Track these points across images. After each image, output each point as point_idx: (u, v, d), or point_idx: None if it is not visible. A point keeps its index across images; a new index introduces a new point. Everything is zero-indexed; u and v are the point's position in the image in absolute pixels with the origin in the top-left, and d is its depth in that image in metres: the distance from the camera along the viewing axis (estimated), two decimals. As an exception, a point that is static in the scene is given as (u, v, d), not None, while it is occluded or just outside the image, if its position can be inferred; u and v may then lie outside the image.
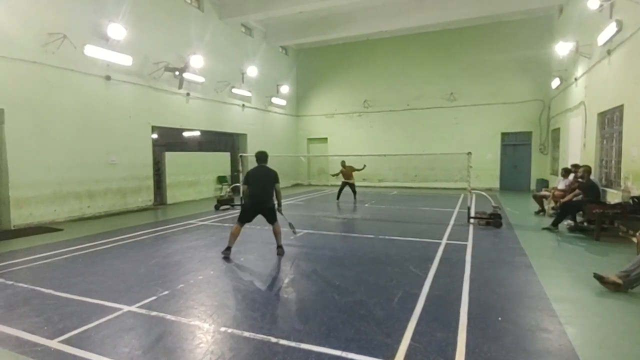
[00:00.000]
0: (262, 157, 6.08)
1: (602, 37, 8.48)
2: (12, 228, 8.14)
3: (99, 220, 9.48)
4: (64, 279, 4.91)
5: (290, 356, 2.95)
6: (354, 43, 18.63)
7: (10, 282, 4.75)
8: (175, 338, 3.31)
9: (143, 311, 3.85)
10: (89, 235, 7.62)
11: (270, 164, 6.13)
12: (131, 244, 6.88)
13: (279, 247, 6.08)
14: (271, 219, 5.98)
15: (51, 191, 8.92)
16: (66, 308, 3.95)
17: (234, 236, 5.89)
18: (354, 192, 12.91)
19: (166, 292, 4.37)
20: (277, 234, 6.06)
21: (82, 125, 9.59)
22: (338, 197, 12.95)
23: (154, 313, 3.79)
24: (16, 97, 8.19)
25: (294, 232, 6.88)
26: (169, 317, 3.71)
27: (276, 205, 6.08)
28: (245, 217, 5.94)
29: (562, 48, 10.98)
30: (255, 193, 5.85)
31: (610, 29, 7.98)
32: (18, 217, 8.30)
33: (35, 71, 8.50)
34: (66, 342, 3.22)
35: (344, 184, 12.98)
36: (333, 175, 13.52)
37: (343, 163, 13.01)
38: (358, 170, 12.86)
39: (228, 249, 5.88)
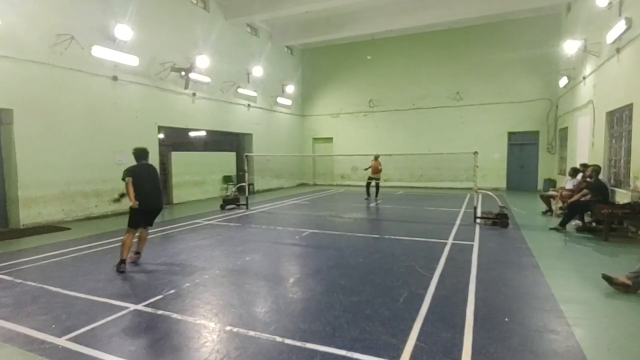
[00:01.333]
0: (144, 154, 5.65)
1: (611, 35, 8.37)
2: (21, 227, 8.24)
3: (106, 219, 9.57)
4: (71, 277, 4.96)
5: (296, 355, 2.96)
6: (360, 42, 18.59)
7: (19, 281, 4.81)
8: (181, 337, 3.33)
9: (149, 310, 3.87)
10: (96, 234, 7.70)
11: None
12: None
13: (138, 253, 5.66)
14: (152, 221, 5.72)
15: (59, 191, 9.02)
16: (74, 306, 3.99)
17: (127, 247, 5.26)
18: (377, 189, 13.33)
19: (172, 291, 4.40)
20: (145, 239, 5.75)
21: (90, 125, 9.68)
22: (368, 194, 13.32)
23: (160, 312, 3.82)
24: (25, 98, 8.29)
25: None
26: (175, 315, 3.73)
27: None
28: (138, 222, 5.44)
29: (570, 46, 10.86)
30: (149, 193, 5.38)
31: (620, 26, 7.88)
32: (27, 217, 8.40)
33: (43, 72, 8.60)
34: (74, 340, 3.26)
35: (370, 180, 13.28)
36: (365, 169, 13.60)
37: (377, 156, 13.19)
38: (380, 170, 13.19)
39: (122, 262, 5.23)
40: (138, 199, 5.26)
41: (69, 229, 8.26)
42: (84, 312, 3.82)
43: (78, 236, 7.51)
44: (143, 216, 5.46)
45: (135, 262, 5.56)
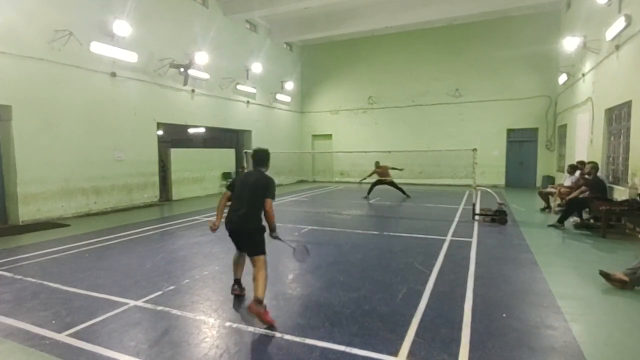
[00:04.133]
0: (261, 157, 4.01)
1: (611, 32, 8.36)
2: (21, 224, 8.24)
3: (106, 216, 9.57)
4: (71, 273, 4.97)
5: (295, 351, 2.97)
6: (359, 39, 18.55)
7: (19, 277, 4.81)
8: (181, 332, 3.34)
9: (149, 306, 3.89)
10: (95, 230, 7.70)
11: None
12: (137, 239, 6.94)
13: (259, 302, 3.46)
14: (252, 248, 3.80)
15: (58, 187, 9.01)
16: (74, 302, 4.00)
17: (237, 265, 4.19)
18: (398, 188, 12.65)
19: (172, 287, 4.41)
20: (256, 279, 3.61)
21: (89, 121, 9.66)
22: (368, 194, 12.77)
23: (159, 308, 3.83)
24: (23, 94, 8.27)
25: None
26: (174, 311, 3.74)
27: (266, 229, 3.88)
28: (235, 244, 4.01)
29: (570, 43, 10.85)
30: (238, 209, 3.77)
31: (619, 23, 7.87)
32: (26, 213, 8.40)
33: (42, 68, 8.57)
34: (74, 335, 3.27)
35: (378, 182, 12.74)
36: (366, 177, 13.16)
37: (377, 163, 12.78)
38: (397, 169, 12.75)
39: (236, 281, 4.19)
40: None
41: (68, 225, 8.26)
42: (84, 308, 3.83)
43: (77, 233, 7.51)
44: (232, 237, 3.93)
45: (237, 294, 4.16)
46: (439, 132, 17.25)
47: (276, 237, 3.97)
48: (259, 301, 3.41)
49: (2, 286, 4.50)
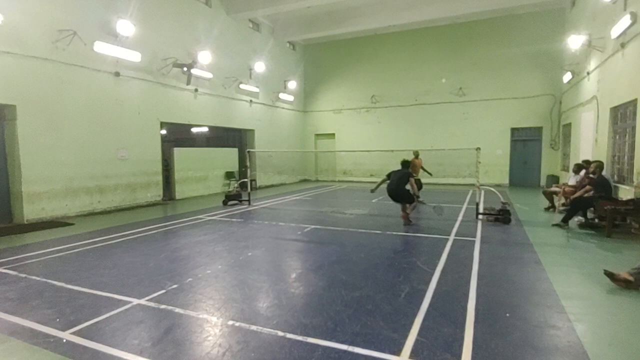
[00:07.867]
0: (403, 164, 8.48)
1: (616, 30, 8.29)
2: (25, 222, 8.30)
3: (109, 215, 9.62)
4: (75, 272, 5.00)
5: (297, 350, 2.97)
6: (362, 38, 18.52)
7: (24, 275, 4.85)
8: (184, 331, 3.35)
9: (152, 304, 3.90)
10: (99, 229, 7.74)
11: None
12: (141, 238, 6.97)
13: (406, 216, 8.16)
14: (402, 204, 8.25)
15: (63, 186, 9.06)
16: (77, 301, 4.02)
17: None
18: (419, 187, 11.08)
19: (175, 286, 4.43)
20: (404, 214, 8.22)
21: (93, 121, 9.71)
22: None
23: (163, 306, 3.85)
24: (28, 94, 8.32)
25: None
26: (177, 310, 3.76)
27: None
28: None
29: (575, 41, 10.77)
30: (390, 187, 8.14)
31: (624, 21, 7.80)
32: (31, 212, 8.45)
33: (46, 68, 8.61)
34: (78, 333, 3.29)
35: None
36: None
37: (417, 153, 11.80)
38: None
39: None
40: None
41: (72, 224, 8.31)
42: (88, 307, 3.85)
43: (81, 231, 7.55)
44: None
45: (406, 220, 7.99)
46: (442, 131, 17.20)
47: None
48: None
49: (6, 284, 4.54)
